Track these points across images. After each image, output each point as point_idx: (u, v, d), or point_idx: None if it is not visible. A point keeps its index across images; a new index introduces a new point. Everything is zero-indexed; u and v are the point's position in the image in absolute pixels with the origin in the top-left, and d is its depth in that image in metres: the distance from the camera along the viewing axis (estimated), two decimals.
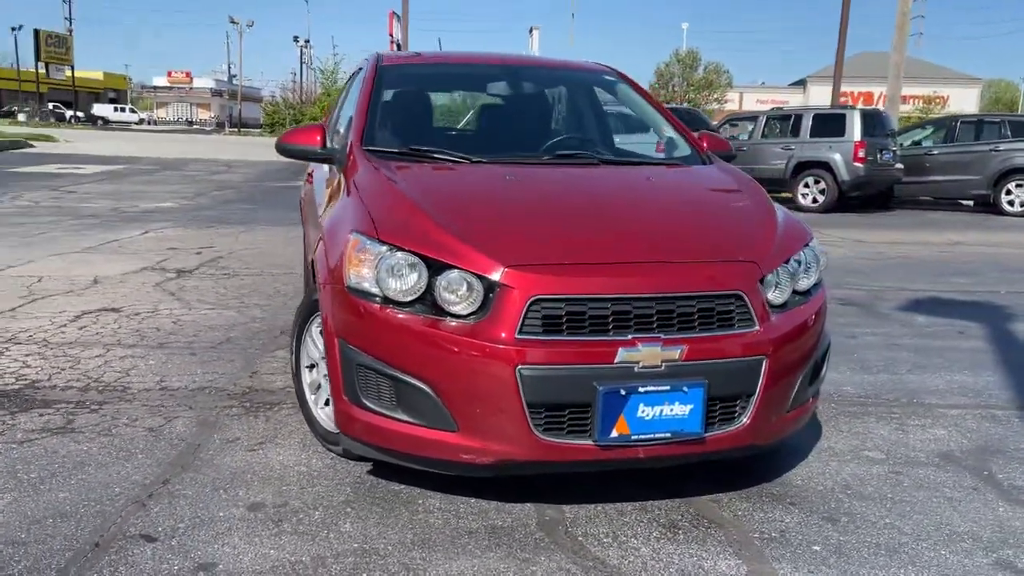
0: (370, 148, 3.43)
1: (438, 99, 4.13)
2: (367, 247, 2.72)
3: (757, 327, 2.71)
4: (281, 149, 3.65)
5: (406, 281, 2.64)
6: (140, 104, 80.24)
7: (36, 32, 55.57)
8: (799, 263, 2.98)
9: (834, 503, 2.93)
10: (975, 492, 3.05)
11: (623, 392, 2.53)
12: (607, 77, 4.38)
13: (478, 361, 2.53)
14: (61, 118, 60.82)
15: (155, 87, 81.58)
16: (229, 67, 76.48)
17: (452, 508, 2.81)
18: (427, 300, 2.63)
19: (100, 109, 65.65)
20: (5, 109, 63.61)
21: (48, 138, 29.51)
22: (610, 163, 3.54)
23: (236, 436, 3.41)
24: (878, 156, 14.27)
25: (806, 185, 14.70)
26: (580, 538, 2.63)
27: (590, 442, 2.57)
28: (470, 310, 2.59)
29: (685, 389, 2.58)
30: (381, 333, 2.66)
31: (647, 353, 2.55)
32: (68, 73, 61.56)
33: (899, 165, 14.76)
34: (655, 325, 2.60)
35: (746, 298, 2.71)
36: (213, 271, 7.17)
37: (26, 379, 4.09)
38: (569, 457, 2.60)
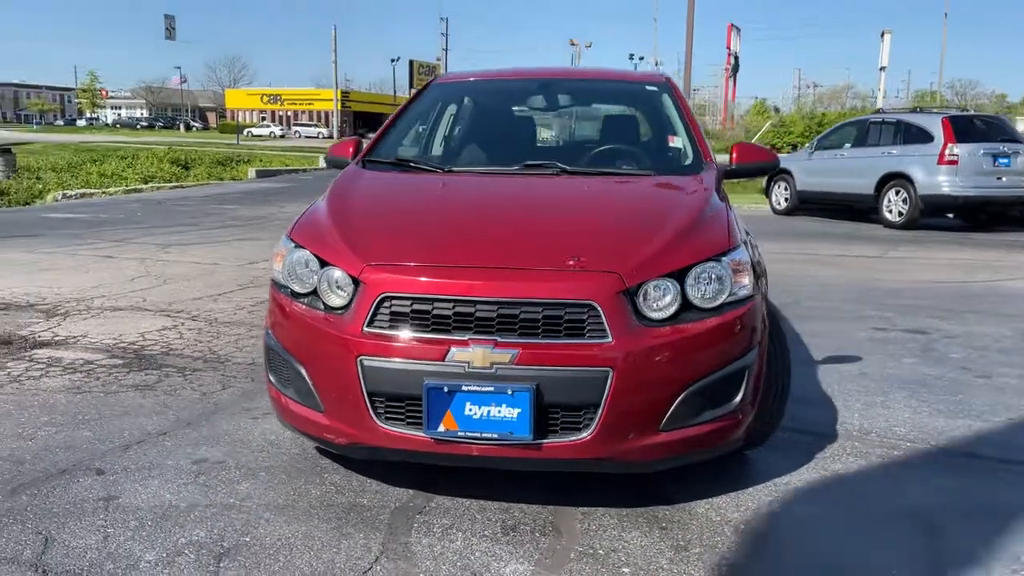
0: (371, 159, 3.82)
1: (471, 113, 4.37)
2: (283, 244, 3.12)
3: (609, 339, 2.64)
4: (327, 160, 4.17)
5: (301, 275, 2.98)
6: None
7: (411, 63, 63.41)
8: (705, 276, 2.81)
9: (707, 535, 2.73)
10: (886, 547, 2.64)
11: (447, 389, 2.64)
12: (648, 87, 4.30)
13: (332, 350, 2.80)
14: None
15: None
16: None
17: (342, 485, 3.09)
18: (317, 293, 2.95)
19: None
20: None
21: None
22: (571, 173, 3.53)
23: (256, 406, 3.97)
24: None
25: None
26: (414, 524, 2.78)
27: (424, 434, 2.71)
28: (342, 304, 2.86)
29: (510, 392, 2.61)
30: (284, 320, 3.03)
31: (477, 354, 2.63)
32: None
33: None
34: (495, 328, 2.67)
35: (599, 309, 2.65)
36: None
37: (168, 347, 5.05)
38: (407, 446, 2.76)
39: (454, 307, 2.70)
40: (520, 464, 2.78)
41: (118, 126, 78.88)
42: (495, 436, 2.66)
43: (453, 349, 2.65)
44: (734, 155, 3.83)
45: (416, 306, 2.72)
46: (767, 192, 15.92)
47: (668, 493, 3.04)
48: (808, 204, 15.02)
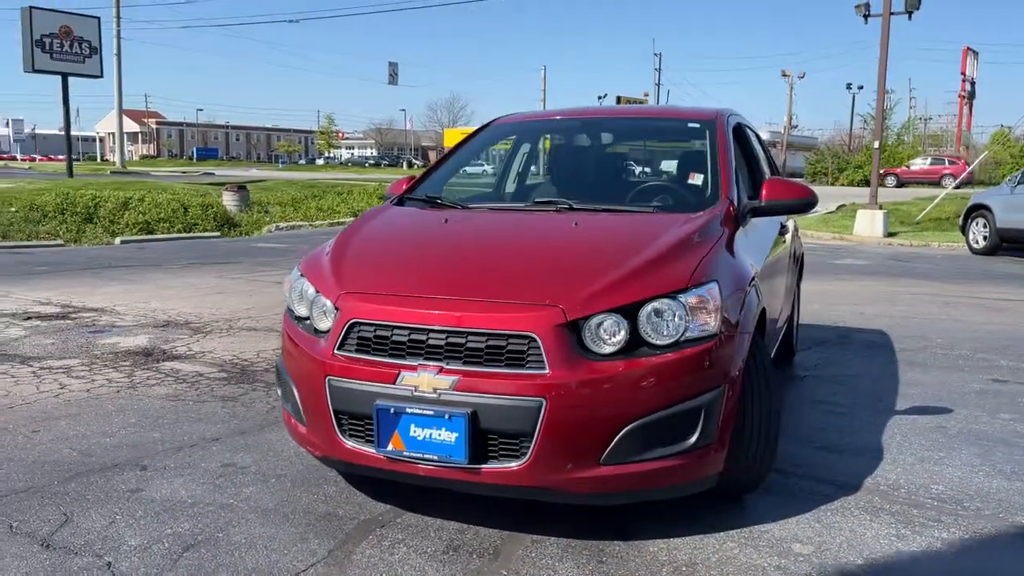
0: (409, 196, 4.09)
1: (513, 152, 4.55)
2: (292, 273, 3.45)
3: (546, 370, 2.71)
4: (384, 197, 4.51)
5: (301, 302, 3.29)
6: None
7: (617, 99, 64.03)
8: (656, 313, 2.81)
9: (640, 573, 2.70)
10: None
11: (393, 411, 2.82)
12: (690, 124, 4.27)
13: (310, 369, 3.07)
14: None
15: None
16: (791, 118, 77.75)
17: (332, 496, 3.34)
18: (311, 319, 3.25)
19: (666, 165, 72.80)
20: None
21: None
22: (577, 210, 3.60)
23: None
24: None
25: None
26: (369, 536, 2.97)
27: (377, 452, 2.90)
28: (327, 328, 3.13)
29: (448, 416, 2.75)
30: (286, 341, 3.35)
31: (423, 379, 2.80)
32: None
33: None
34: (443, 356, 2.82)
35: (539, 340, 2.73)
36: None
37: (271, 364, 5.58)
38: (365, 462, 2.96)
39: (409, 334, 2.88)
40: (462, 487, 2.90)
41: (350, 164, 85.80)
42: (436, 458, 2.80)
43: (403, 373, 2.83)
44: (764, 191, 3.73)
45: (379, 332, 2.93)
46: (963, 230, 14.64)
47: (630, 529, 3.02)
48: (1012, 243, 13.66)
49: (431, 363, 2.82)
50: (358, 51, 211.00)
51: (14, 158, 57.05)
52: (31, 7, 27.33)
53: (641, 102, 65.49)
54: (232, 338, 6.44)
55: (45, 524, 3.04)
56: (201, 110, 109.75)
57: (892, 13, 16.88)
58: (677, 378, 2.80)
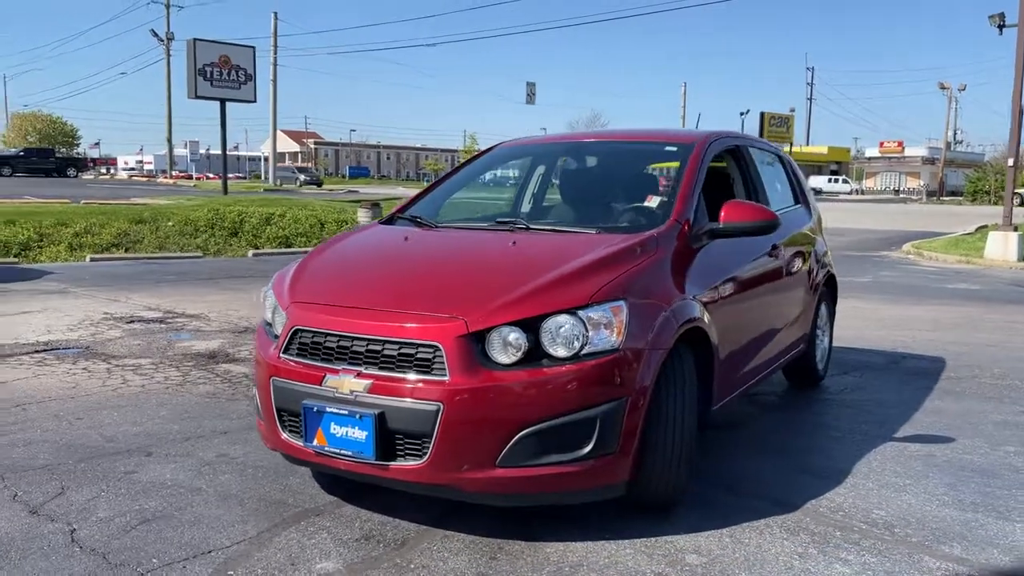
0: (399, 215, 4.41)
1: (506, 174, 4.76)
2: (266, 286, 3.82)
3: (447, 377, 2.94)
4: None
5: (266, 311, 3.66)
6: (857, 174, 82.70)
7: (761, 115, 62.42)
8: (555, 326, 2.98)
9: (522, 571, 2.86)
10: None
11: (316, 410, 3.12)
12: (667, 148, 4.37)
13: (262, 370, 3.42)
14: None
15: (868, 158, 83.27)
16: (954, 133, 73.26)
17: (292, 486, 3.67)
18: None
19: (815, 181, 70.12)
20: None
21: None
22: (531, 229, 3.79)
23: None
24: None
25: None
26: (302, 522, 3.28)
27: (305, 446, 3.20)
28: (279, 333, 3.48)
29: (359, 416, 3.02)
30: (255, 346, 3.72)
31: (343, 382, 3.09)
32: (786, 148, 67.52)
33: None
34: (363, 361, 3.10)
35: (442, 349, 2.97)
36: None
37: None
38: (299, 455, 3.27)
39: (338, 341, 3.18)
40: (375, 480, 3.16)
41: (491, 184, 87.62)
42: (350, 454, 3.08)
43: (328, 376, 3.14)
44: (722, 214, 3.79)
45: (315, 338, 3.25)
46: None
47: (538, 532, 3.18)
48: None
49: (352, 368, 3.11)
50: (498, 72, 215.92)
51: (189, 176, 62.36)
52: (195, 39, 29.86)
53: (787, 118, 63.65)
54: None
55: (42, 495, 3.53)
56: (354, 131, 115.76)
57: None
58: (575, 388, 2.96)
